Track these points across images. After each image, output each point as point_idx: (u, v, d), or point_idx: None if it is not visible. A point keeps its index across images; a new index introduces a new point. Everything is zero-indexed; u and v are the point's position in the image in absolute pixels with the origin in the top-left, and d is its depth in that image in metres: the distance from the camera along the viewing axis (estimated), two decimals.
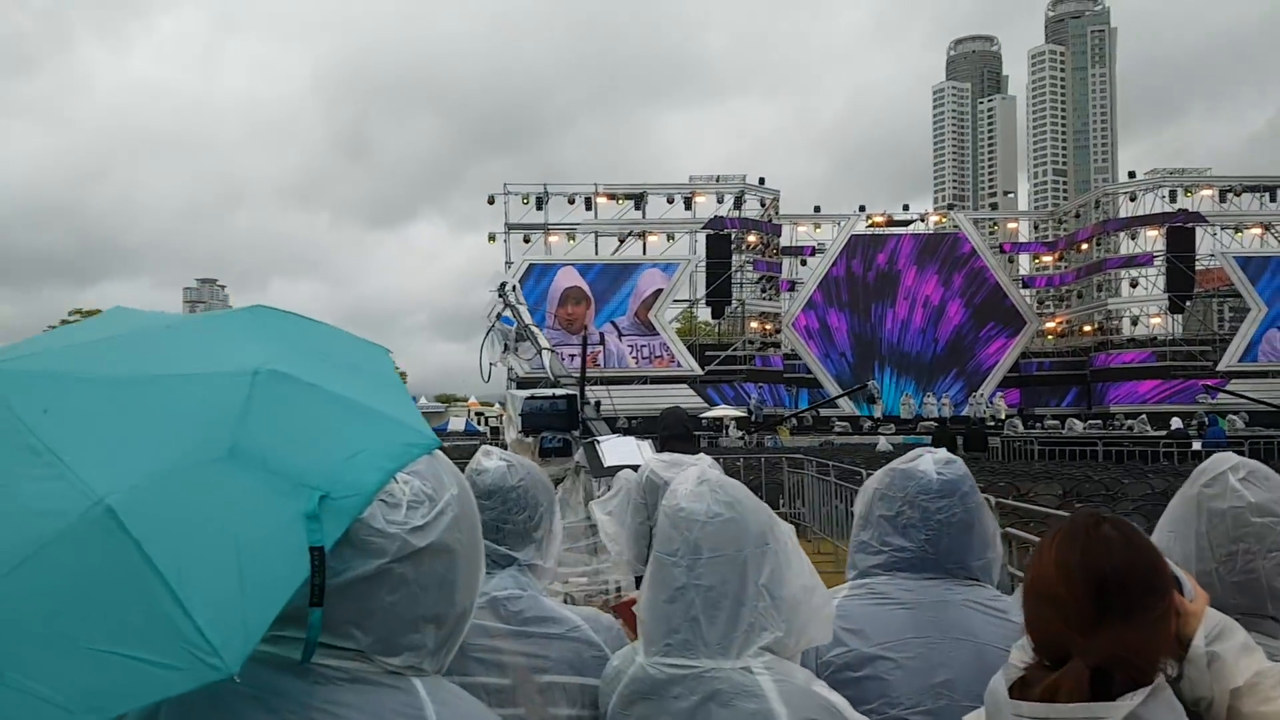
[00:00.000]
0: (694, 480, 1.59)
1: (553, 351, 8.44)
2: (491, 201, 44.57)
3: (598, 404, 7.34)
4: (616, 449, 6.14)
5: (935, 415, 43.70)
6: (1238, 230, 45.21)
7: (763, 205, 47.12)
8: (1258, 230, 45.10)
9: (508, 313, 9.41)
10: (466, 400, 73.84)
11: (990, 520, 1.89)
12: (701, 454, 5.18)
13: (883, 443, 32.08)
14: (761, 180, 47.08)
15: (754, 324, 46.76)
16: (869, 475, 2.10)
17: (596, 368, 31.26)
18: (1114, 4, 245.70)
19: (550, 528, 2.03)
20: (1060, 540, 1.33)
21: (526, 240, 44.91)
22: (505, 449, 2.24)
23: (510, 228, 44.74)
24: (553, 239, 45.28)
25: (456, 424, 53.38)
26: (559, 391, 7.02)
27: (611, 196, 44.99)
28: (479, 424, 52.17)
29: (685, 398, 38.33)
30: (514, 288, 9.98)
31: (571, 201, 44.39)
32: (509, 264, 42.66)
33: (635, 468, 5.34)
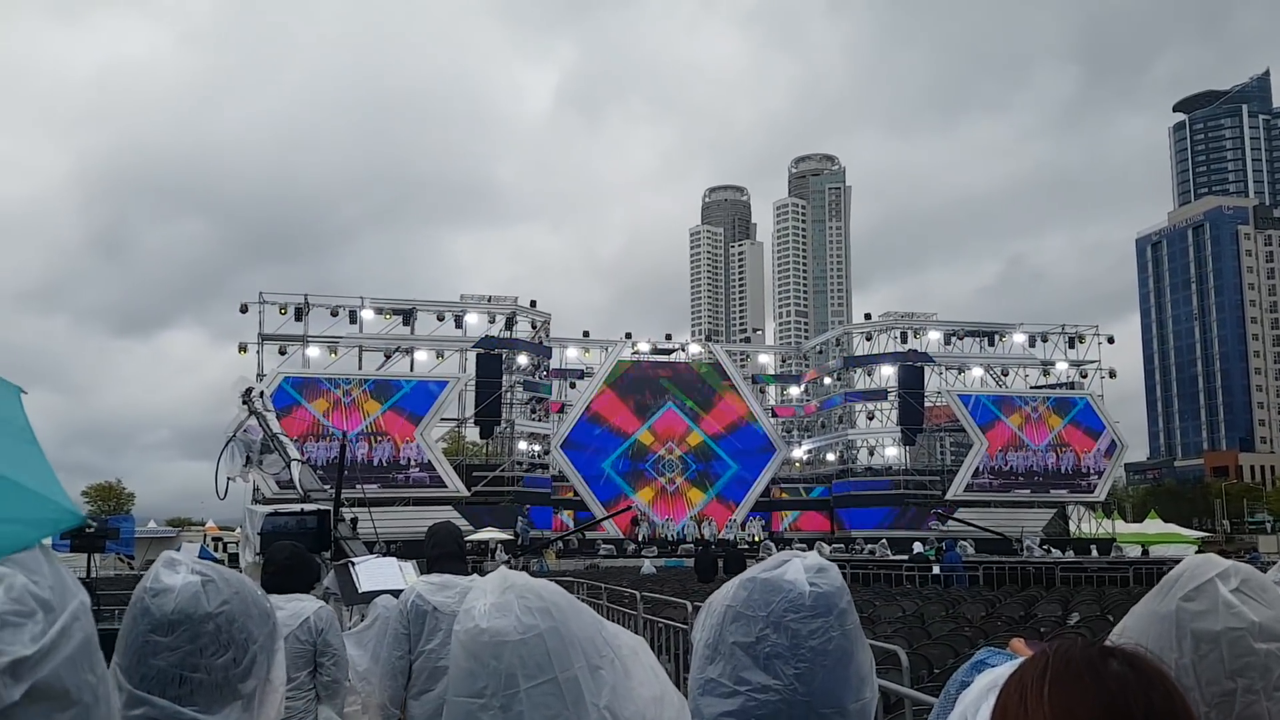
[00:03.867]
0: (495, 589, 1.18)
1: (304, 463, 7.61)
2: (245, 310, 42.04)
3: (354, 521, 6.61)
4: (374, 572, 5.46)
5: (695, 538, 44.53)
6: (961, 370, 50.05)
7: (534, 327, 47.32)
8: (979, 371, 50.13)
9: (253, 421, 8.50)
10: (204, 524, 68.14)
11: (867, 648, 1.46)
12: (474, 575, 4.62)
13: (647, 565, 32.10)
14: (533, 303, 47.43)
15: (522, 444, 46.24)
16: (713, 601, 1.50)
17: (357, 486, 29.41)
18: (849, 165, 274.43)
19: (268, 675, 1.41)
20: (1054, 683, 0.93)
21: (283, 352, 42.52)
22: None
23: (265, 338, 42.25)
24: (312, 353, 43.14)
25: (189, 551, 48.48)
26: (308, 507, 6.26)
27: (379, 311, 43.66)
28: (216, 550, 47.70)
29: (452, 519, 36.89)
30: (261, 394, 9.08)
31: (334, 314, 42.67)
32: (261, 376, 40.05)
33: (396, 593, 4.73)
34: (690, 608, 11.37)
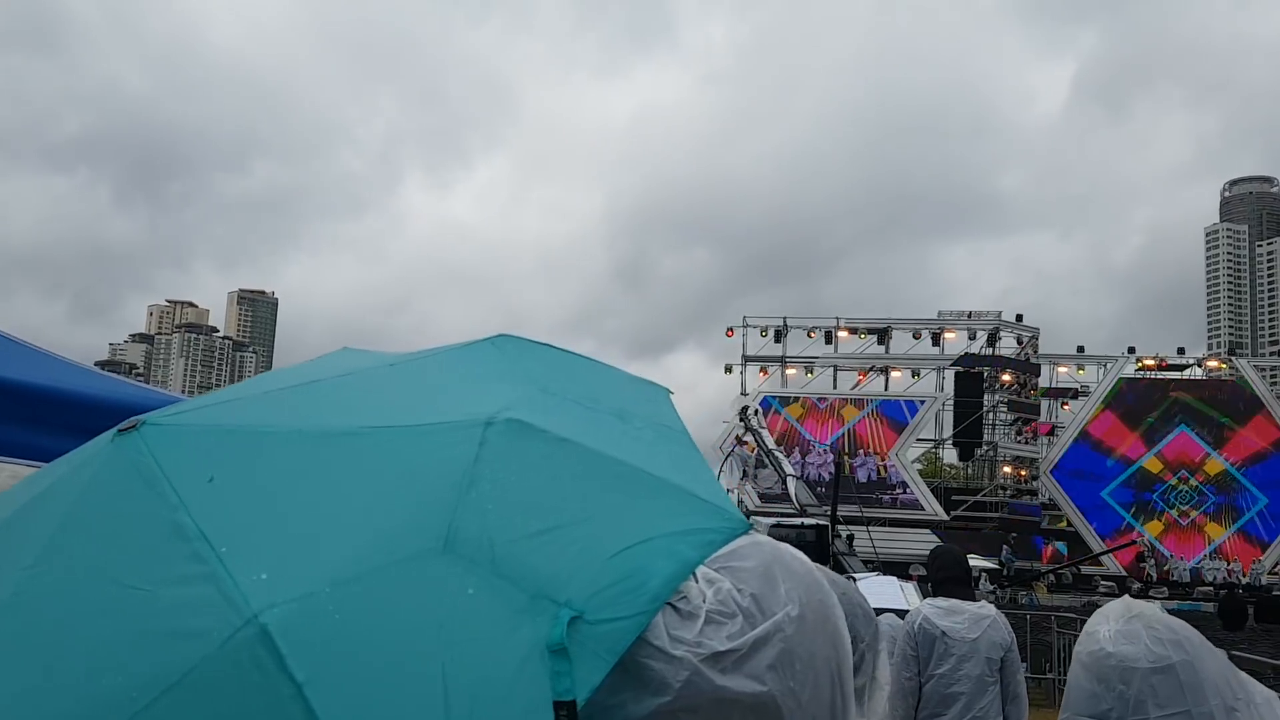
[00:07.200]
0: (1119, 616, 1.28)
1: (799, 479, 7.92)
2: (730, 334, 45.05)
3: (850, 538, 6.71)
4: (874, 590, 5.48)
5: (1213, 581, 38.71)
6: None
7: (1019, 343, 44.74)
8: None
9: (748, 437, 9.06)
10: None
11: None
12: (984, 602, 4.46)
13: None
14: (1019, 317, 44.90)
15: (1006, 469, 43.77)
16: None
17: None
18: None
19: (874, 674, 1.42)
20: None
21: (764, 373, 44.81)
22: None
23: (747, 359, 44.87)
24: (790, 372, 44.90)
25: None
26: (808, 521, 6.48)
27: (853, 330, 44.23)
28: None
29: (928, 543, 36.07)
30: (756, 411, 9.65)
31: (810, 335, 44.03)
32: (744, 395, 42.59)
33: (901, 613, 4.72)
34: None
